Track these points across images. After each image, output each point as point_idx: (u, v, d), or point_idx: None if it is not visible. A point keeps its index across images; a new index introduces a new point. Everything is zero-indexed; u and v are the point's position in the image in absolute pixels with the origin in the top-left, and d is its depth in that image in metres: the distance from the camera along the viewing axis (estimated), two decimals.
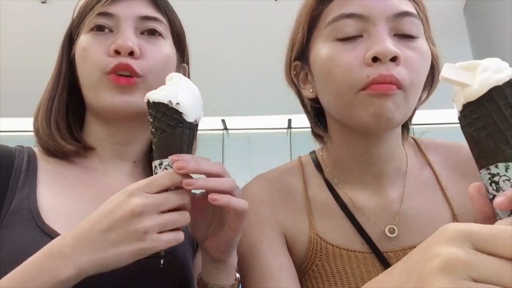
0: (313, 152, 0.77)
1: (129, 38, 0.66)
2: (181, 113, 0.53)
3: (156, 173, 0.54)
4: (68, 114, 0.71)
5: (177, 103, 0.53)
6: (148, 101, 0.54)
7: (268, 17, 3.68)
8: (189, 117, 0.53)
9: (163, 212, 0.50)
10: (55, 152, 0.68)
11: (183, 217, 0.52)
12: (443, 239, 0.32)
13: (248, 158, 5.83)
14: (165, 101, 0.53)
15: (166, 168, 0.53)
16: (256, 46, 4.13)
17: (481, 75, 0.41)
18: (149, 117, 0.55)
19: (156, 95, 0.53)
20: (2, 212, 0.57)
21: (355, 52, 0.59)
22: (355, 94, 0.58)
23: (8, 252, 0.54)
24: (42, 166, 0.66)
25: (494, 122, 0.40)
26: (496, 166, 0.40)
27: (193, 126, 0.55)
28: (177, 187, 0.52)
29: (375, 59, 0.57)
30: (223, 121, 5.62)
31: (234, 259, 0.61)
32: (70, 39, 0.73)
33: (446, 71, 0.44)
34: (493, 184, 0.41)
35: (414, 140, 0.76)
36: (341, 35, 0.61)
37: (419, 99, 0.65)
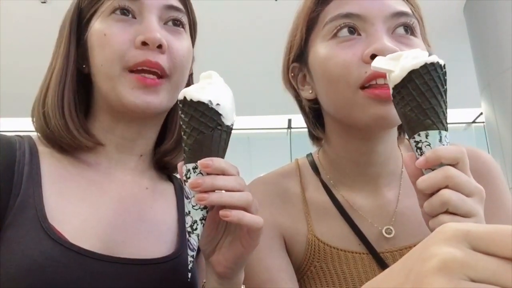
0: (310, 154, 0.77)
1: (156, 29, 0.61)
2: (220, 114, 0.49)
3: (189, 177, 0.50)
4: (76, 103, 0.65)
5: (218, 104, 0.49)
6: (185, 99, 0.49)
7: (268, 16, 3.68)
8: (227, 120, 0.50)
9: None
10: (67, 147, 0.63)
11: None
12: (441, 239, 0.31)
13: (248, 158, 5.83)
14: (206, 100, 0.49)
15: (201, 173, 0.49)
16: (255, 45, 4.13)
17: (402, 61, 0.49)
18: (182, 115, 0.50)
19: (196, 93, 0.49)
20: (8, 209, 0.55)
21: (353, 50, 0.59)
22: (354, 92, 0.59)
23: (10, 253, 0.52)
24: (44, 160, 0.62)
25: (414, 98, 0.48)
26: (419, 135, 0.48)
27: (230, 130, 0.52)
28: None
29: (373, 57, 0.57)
30: None
31: (241, 277, 0.57)
32: (79, 18, 0.66)
33: (376, 61, 0.52)
34: (418, 150, 0.49)
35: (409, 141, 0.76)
36: (339, 34, 0.61)
37: None
